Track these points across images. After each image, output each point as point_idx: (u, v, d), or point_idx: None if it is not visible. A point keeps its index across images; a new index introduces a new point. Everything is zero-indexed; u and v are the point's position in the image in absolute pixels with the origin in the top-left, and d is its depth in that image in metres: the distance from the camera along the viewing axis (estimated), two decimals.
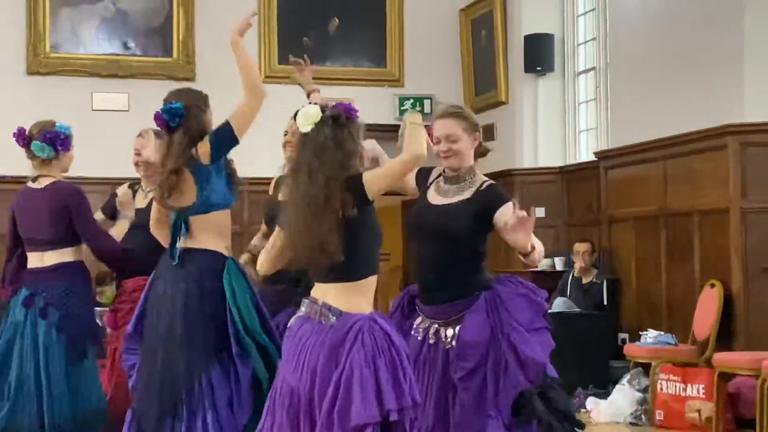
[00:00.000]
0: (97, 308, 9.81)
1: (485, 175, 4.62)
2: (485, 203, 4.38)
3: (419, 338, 4.46)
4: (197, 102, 5.01)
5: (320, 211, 3.90)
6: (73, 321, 5.55)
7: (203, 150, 4.86)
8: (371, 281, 4.04)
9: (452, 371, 4.33)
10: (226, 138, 4.85)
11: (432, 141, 4.48)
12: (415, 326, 4.52)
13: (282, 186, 4.96)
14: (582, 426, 4.47)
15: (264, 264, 4.27)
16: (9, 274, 5.83)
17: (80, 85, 11.26)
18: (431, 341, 4.42)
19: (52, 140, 5.63)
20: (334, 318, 3.93)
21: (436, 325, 4.43)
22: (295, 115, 4.83)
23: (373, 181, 4.01)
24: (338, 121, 4.02)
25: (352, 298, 3.97)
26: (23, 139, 5.67)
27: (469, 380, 4.28)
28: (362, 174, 4.04)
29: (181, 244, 4.90)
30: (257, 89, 4.90)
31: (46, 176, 5.68)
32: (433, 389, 4.37)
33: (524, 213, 4.06)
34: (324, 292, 4.02)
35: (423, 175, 4.64)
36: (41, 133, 5.64)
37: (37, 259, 5.65)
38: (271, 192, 5.61)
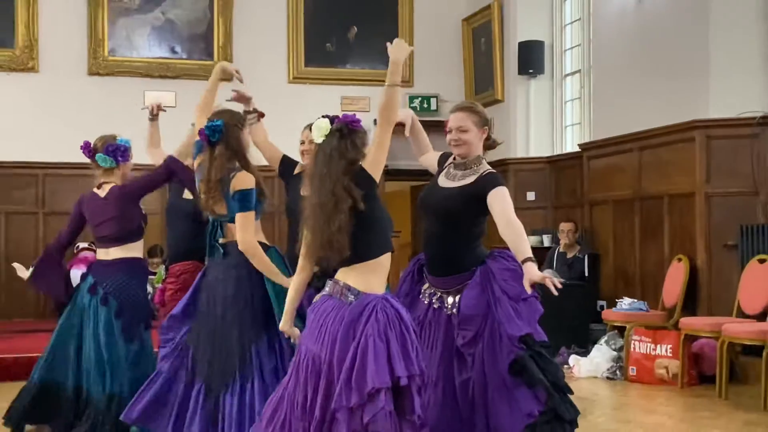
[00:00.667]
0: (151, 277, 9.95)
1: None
2: (482, 186, 4.39)
3: (425, 302, 4.51)
4: (235, 121, 5.03)
5: (331, 214, 3.92)
6: (128, 310, 5.58)
7: (237, 185, 4.84)
8: (385, 259, 4.05)
9: (455, 336, 4.36)
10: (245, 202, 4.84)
11: (445, 131, 4.58)
12: (422, 291, 4.56)
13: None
14: (571, 391, 4.43)
15: (301, 259, 4.24)
16: (38, 276, 5.89)
17: (134, 85, 11.31)
18: (435, 306, 4.46)
19: (113, 152, 5.68)
20: (353, 297, 3.97)
21: (440, 293, 4.48)
22: (310, 126, 4.92)
23: (372, 162, 4.03)
24: (342, 132, 4.03)
25: (368, 278, 3.99)
26: (89, 151, 5.72)
27: (471, 347, 4.32)
28: (361, 165, 4.05)
29: (222, 241, 4.97)
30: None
31: (108, 183, 5.71)
32: (438, 347, 4.40)
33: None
34: (345, 275, 4.05)
35: (442, 159, 4.69)
36: (104, 145, 5.69)
37: (103, 254, 5.69)
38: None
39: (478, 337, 4.33)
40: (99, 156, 5.66)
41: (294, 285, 4.25)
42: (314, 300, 4.21)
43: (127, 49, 11.48)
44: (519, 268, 4.34)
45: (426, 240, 4.58)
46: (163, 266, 5.86)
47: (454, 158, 4.59)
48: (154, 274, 10.20)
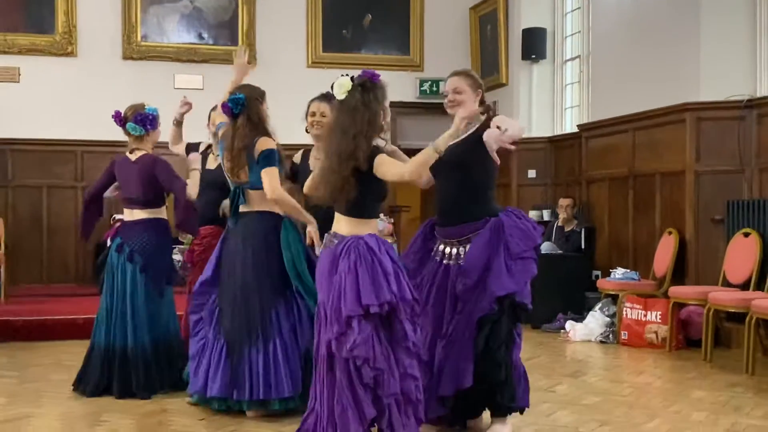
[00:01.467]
0: (181, 246, 9.99)
1: None
2: (482, 129, 4.44)
3: (438, 260, 4.56)
4: (256, 95, 5.09)
5: (346, 160, 4.01)
6: (152, 266, 5.68)
7: (261, 146, 4.95)
8: (373, 222, 4.19)
9: (457, 285, 4.42)
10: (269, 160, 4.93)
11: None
12: (434, 250, 4.61)
13: (311, 154, 5.10)
14: (499, 364, 4.41)
15: (306, 188, 4.42)
16: (85, 223, 5.99)
17: (164, 68, 11.34)
18: (446, 262, 4.51)
19: (142, 121, 5.74)
20: (336, 241, 4.11)
21: (449, 247, 4.51)
22: (318, 97, 4.95)
23: (380, 163, 4.04)
24: (365, 86, 4.12)
25: (356, 230, 4.10)
26: (119, 120, 5.80)
27: (469, 294, 4.37)
28: (381, 153, 4.11)
29: (243, 209, 5.04)
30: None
31: (139, 149, 5.79)
32: (446, 304, 4.46)
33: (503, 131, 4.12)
34: (338, 222, 4.18)
35: None
36: (134, 114, 5.75)
37: (129, 214, 5.80)
38: (298, 161, 5.53)
39: (476, 287, 4.37)
40: (129, 125, 5.74)
41: None
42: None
43: (158, 35, 11.50)
44: (530, 227, 4.46)
45: (441, 194, 4.62)
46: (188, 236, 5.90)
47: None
48: (181, 242, 10.28)
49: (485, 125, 4.44)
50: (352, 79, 4.17)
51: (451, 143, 4.15)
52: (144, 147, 5.81)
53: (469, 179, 4.51)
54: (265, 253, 4.96)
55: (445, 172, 4.48)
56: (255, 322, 4.91)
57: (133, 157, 5.78)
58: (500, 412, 4.55)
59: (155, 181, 5.68)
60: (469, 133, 4.49)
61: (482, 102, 4.63)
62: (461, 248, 4.47)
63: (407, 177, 4.04)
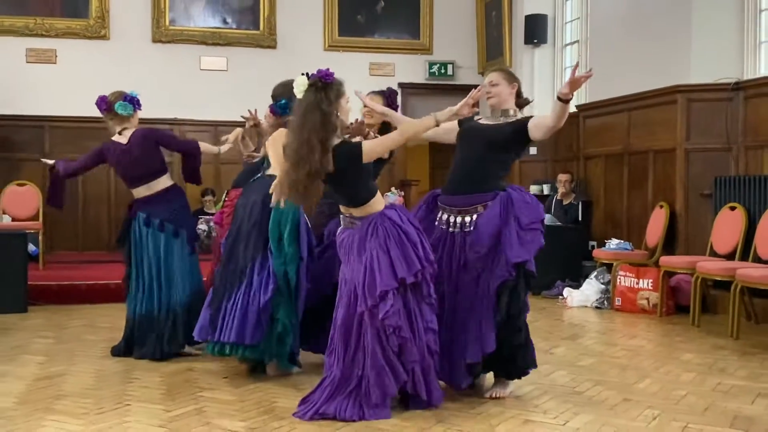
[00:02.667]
0: (205, 216, 10.01)
1: None
2: (521, 122, 4.48)
3: (443, 228, 4.49)
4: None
5: (301, 160, 3.98)
6: (183, 227, 5.67)
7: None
8: (377, 198, 4.19)
9: (467, 252, 4.39)
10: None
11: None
12: (438, 219, 4.54)
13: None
14: (519, 329, 4.46)
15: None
16: (53, 195, 6.02)
17: (191, 51, 11.29)
18: (451, 230, 4.46)
19: (131, 100, 5.71)
20: (358, 222, 4.17)
21: (454, 216, 4.46)
22: (373, 92, 5.00)
23: (371, 149, 4.07)
24: (316, 86, 4.04)
25: (368, 210, 4.17)
26: (105, 104, 5.72)
27: (481, 262, 4.36)
28: (361, 143, 4.10)
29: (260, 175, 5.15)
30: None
31: (127, 129, 5.73)
32: (452, 269, 4.44)
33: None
34: (347, 208, 4.25)
35: (464, 120, 4.59)
36: (120, 97, 5.71)
37: (145, 189, 5.71)
38: None
39: (487, 256, 4.36)
40: (119, 104, 5.67)
41: None
42: (336, 236, 4.40)
43: (185, 20, 11.45)
44: (535, 201, 4.50)
45: (458, 165, 4.55)
46: (214, 196, 5.89)
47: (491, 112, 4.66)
48: (205, 213, 10.30)
49: (519, 120, 4.51)
50: (308, 77, 4.07)
51: (488, 123, 4.42)
52: (130, 126, 5.75)
53: (496, 159, 4.49)
54: (260, 211, 4.98)
55: (475, 145, 4.48)
56: (236, 272, 4.94)
57: (123, 139, 5.69)
58: (516, 375, 4.59)
59: (156, 149, 5.64)
60: (507, 121, 4.53)
61: (519, 95, 4.66)
62: (467, 217, 4.43)
63: (401, 140, 4.16)
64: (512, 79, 4.66)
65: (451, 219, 4.48)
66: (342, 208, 4.29)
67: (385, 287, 4.01)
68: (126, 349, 5.63)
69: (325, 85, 4.03)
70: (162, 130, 5.69)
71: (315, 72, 4.06)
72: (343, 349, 4.18)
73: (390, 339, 4.05)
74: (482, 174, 4.47)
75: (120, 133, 5.73)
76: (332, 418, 4.06)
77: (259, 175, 5.18)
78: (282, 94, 5.11)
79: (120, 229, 5.91)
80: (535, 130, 4.42)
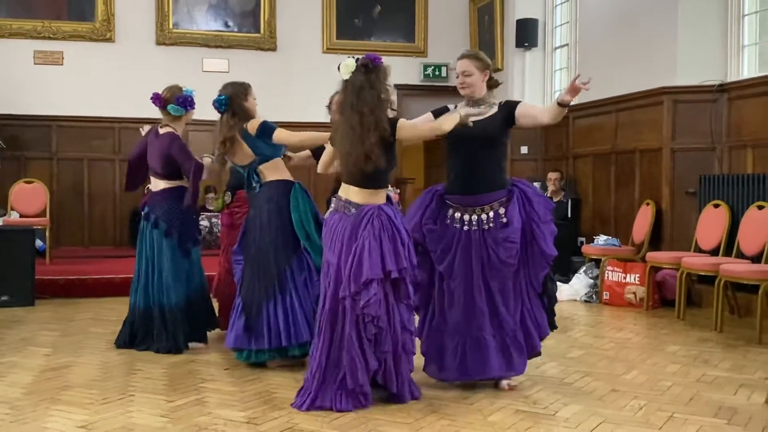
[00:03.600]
0: (208, 213, 9.97)
1: None
2: (507, 109, 4.47)
3: (457, 226, 4.41)
4: (238, 92, 5.11)
5: (366, 132, 4.05)
6: (175, 230, 5.58)
7: (251, 126, 5.03)
8: (383, 192, 4.23)
9: (496, 249, 4.34)
10: (266, 132, 5.01)
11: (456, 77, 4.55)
12: (450, 217, 4.45)
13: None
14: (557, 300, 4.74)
15: (320, 166, 4.48)
16: (130, 180, 5.96)
17: (194, 53, 11.25)
18: (466, 228, 4.39)
19: (183, 102, 5.67)
20: (353, 209, 4.17)
21: (469, 214, 4.40)
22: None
23: (402, 127, 4.16)
24: (367, 67, 4.17)
25: (369, 198, 4.19)
26: (160, 101, 5.67)
27: (514, 258, 4.36)
28: (398, 119, 4.18)
29: (256, 184, 5.09)
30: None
31: (169, 126, 5.69)
32: (472, 264, 4.39)
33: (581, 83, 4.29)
34: (347, 191, 4.22)
35: (441, 110, 4.55)
36: (175, 96, 5.66)
37: (154, 185, 5.73)
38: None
39: (519, 250, 4.38)
40: (171, 106, 5.63)
41: None
42: (324, 217, 4.39)
43: (188, 23, 11.41)
44: (542, 194, 4.54)
45: (462, 164, 4.45)
46: (228, 193, 5.77)
47: (464, 102, 4.55)
48: (207, 210, 10.26)
49: (506, 105, 4.50)
50: (356, 60, 4.22)
51: (475, 119, 4.33)
52: (177, 126, 5.72)
53: (494, 153, 4.47)
54: (278, 216, 4.96)
55: (472, 145, 4.40)
56: (272, 279, 4.91)
57: (161, 131, 5.70)
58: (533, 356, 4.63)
59: (172, 157, 5.60)
60: (491, 113, 4.47)
61: (490, 80, 4.57)
62: (483, 215, 4.39)
63: (428, 135, 4.36)
64: (484, 66, 4.53)
65: (466, 217, 4.42)
66: (342, 190, 4.25)
67: (371, 276, 4.01)
68: (129, 337, 5.60)
69: (375, 67, 4.18)
70: (179, 143, 5.59)
71: (364, 56, 4.24)
72: (330, 333, 4.15)
73: (367, 327, 4.06)
74: (491, 170, 4.45)
75: (162, 127, 5.72)
76: (329, 409, 4.05)
77: (257, 180, 5.09)
78: (224, 91, 5.12)
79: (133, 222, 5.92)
80: (522, 119, 4.45)
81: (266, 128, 5.01)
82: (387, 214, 4.15)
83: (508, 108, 4.49)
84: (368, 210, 4.14)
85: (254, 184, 5.07)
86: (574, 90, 4.26)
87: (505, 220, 4.36)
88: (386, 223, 4.12)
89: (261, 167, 5.05)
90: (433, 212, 4.52)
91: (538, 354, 4.61)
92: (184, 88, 5.73)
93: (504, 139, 4.54)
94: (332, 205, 4.31)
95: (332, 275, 4.17)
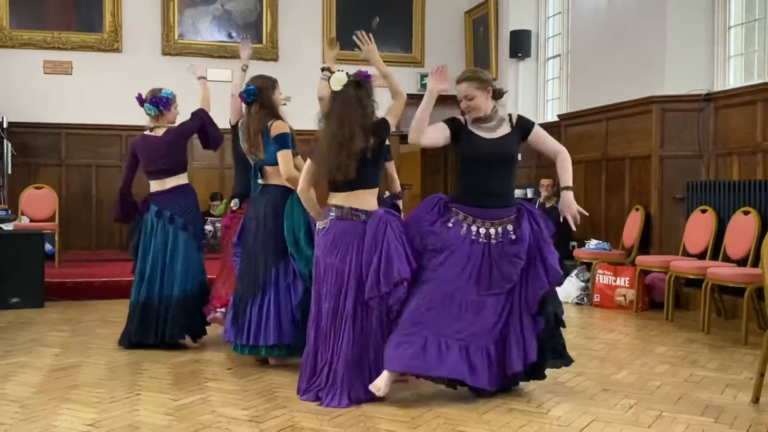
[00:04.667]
0: (212, 218, 9.97)
1: None
2: (522, 131, 4.46)
3: (462, 233, 4.27)
4: (267, 85, 5.08)
5: (343, 144, 4.14)
6: (191, 223, 5.65)
7: (275, 128, 4.95)
8: (376, 189, 4.33)
9: (501, 263, 4.24)
10: (279, 144, 4.90)
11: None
12: (453, 222, 4.29)
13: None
14: (564, 325, 4.50)
15: (301, 183, 4.38)
16: (125, 208, 5.86)
17: (198, 63, 11.24)
18: (473, 237, 4.25)
19: (156, 103, 5.70)
20: (364, 216, 4.22)
21: (483, 227, 4.27)
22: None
23: (391, 122, 4.33)
24: (359, 83, 4.28)
25: (368, 200, 4.27)
26: (140, 101, 5.76)
27: (517, 275, 4.28)
28: (384, 117, 4.33)
29: (261, 182, 5.04)
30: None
31: (160, 127, 5.73)
32: (481, 271, 4.26)
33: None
34: (346, 199, 4.26)
35: (453, 123, 4.45)
36: (151, 96, 5.73)
37: (159, 185, 5.70)
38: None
39: (524, 268, 4.32)
40: (146, 105, 5.71)
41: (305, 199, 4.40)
42: (321, 226, 4.33)
43: (193, 34, 11.43)
44: (543, 215, 4.50)
45: (478, 181, 4.32)
46: (235, 199, 5.63)
47: (471, 118, 4.44)
48: (212, 215, 10.27)
49: (520, 124, 4.46)
50: (347, 75, 4.31)
51: (494, 138, 4.35)
52: (161, 125, 5.75)
53: (510, 172, 4.41)
54: (273, 220, 4.95)
55: (493, 163, 4.32)
56: (259, 279, 4.91)
57: (159, 132, 5.71)
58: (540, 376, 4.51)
59: (183, 147, 5.67)
60: (506, 132, 4.40)
61: (494, 93, 4.46)
62: (492, 229, 4.27)
63: (403, 100, 4.43)
64: (485, 85, 4.42)
65: (473, 228, 4.28)
66: (341, 198, 4.26)
67: (404, 276, 4.12)
68: (133, 337, 5.58)
69: (367, 84, 4.32)
70: (181, 128, 5.69)
71: (356, 72, 4.37)
72: (352, 331, 4.18)
73: (391, 323, 4.17)
74: (505, 187, 4.38)
75: (151, 131, 5.74)
76: (366, 401, 4.15)
77: (260, 182, 5.09)
78: (253, 82, 5.06)
79: (132, 223, 5.87)
80: (533, 145, 4.52)
81: (282, 141, 4.89)
82: (396, 219, 4.27)
83: (523, 130, 4.46)
84: (379, 215, 4.22)
85: (257, 183, 5.06)
86: (438, 77, 4.31)
87: (514, 236, 4.28)
88: (400, 228, 4.24)
89: (267, 168, 5.02)
90: (433, 217, 4.38)
91: (515, 380, 4.41)
92: (162, 90, 5.77)
93: (516, 159, 4.49)
94: (331, 214, 4.27)
95: (330, 282, 4.22)
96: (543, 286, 4.31)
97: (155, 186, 5.72)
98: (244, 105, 5.09)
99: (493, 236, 4.28)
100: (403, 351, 4.11)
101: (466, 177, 4.40)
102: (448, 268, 4.24)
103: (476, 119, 4.42)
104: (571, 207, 4.46)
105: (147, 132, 5.77)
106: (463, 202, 4.34)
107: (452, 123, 4.46)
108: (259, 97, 5.00)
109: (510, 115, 4.49)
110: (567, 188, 4.49)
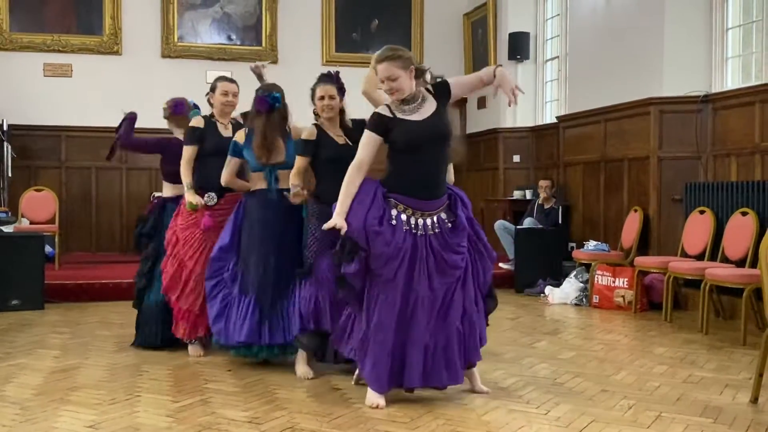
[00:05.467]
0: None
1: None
2: (442, 94, 4.22)
3: (405, 229, 4.05)
4: (283, 93, 5.06)
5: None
6: None
7: (296, 132, 4.99)
8: None
9: (446, 253, 4.09)
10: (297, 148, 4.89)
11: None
12: (396, 217, 4.06)
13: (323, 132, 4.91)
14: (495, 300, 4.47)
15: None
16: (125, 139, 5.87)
17: (198, 66, 11.27)
18: (413, 232, 4.06)
19: (171, 106, 5.81)
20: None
21: (421, 218, 4.09)
22: (322, 80, 4.85)
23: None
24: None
25: None
26: (190, 107, 5.80)
27: (463, 262, 4.19)
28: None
29: (275, 186, 5.01)
30: None
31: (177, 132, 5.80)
32: (427, 264, 4.07)
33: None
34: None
35: (381, 120, 4.13)
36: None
37: (177, 189, 5.69)
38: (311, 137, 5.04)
39: (469, 248, 4.24)
40: (194, 111, 5.74)
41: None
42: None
43: (193, 37, 11.44)
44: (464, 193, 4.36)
45: (421, 168, 4.07)
46: (212, 193, 5.29)
47: (393, 102, 4.14)
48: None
49: (438, 92, 4.21)
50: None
51: (425, 119, 4.10)
52: (171, 128, 5.80)
53: (446, 153, 4.20)
54: (297, 220, 4.91)
55: (430, 147, 4.08)
56: (292, 279, 4.87)
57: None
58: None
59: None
60: (433, 110, 4.14)
61: (417, 71, 4.13)
62: (428, 219, 4.10)
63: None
64: (407, 63, 4.07)
65: (413, 221, 4.08)
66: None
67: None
68: (155, 339, 5.57)
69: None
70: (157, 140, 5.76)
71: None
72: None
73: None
74: (443, 172, 4.20)
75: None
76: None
77: (276, 181, 5.03)
78: (276, 89, 5.01)
79: (143, 225, 5.82)
80: (461, 94, 4.35)
81: (298, 146, 4.86)
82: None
83: (444, 92, 4.20)
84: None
85: (275, 189, 5.01)
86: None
87: (450, 225, 4.14)
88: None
89: (282, 172, 4.98)
90: (377, 212, 4.04)
91: (474, 365, 4.37)
92: (189, 99, 5.85)
93: (451, 135, 4.21)
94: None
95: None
96: (490, 267, 4.32)
97: (177, 190, 5.63)
98: (257, 110, 4.96)
99: (430, 227, 4.09)
100: (382, 370, 4.06)
101: (401, 165, 4.12)
102: (399, 277, 4.04)
103: (401, 102, 4.11)
104: (510, 81, 4.17)
105: (177, 134, 5.78)
106: (401, 193, 4.07)
107: (376, 126, 4.12)
108: (282, 105, 5.00)
109: (428, 88, 4.20)
110: (498, 65, 4.26)
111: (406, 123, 4.10)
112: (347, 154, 4.29)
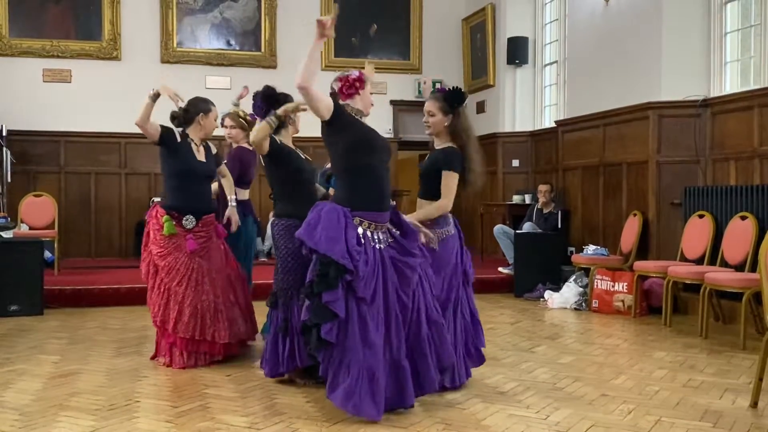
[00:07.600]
0: None
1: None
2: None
3: (374, 246, 4.05)
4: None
5: None
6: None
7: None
8: None
9: (404, 261, 4.06)
10: None
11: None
12: (363, 235, 4.02)
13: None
14: None
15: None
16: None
17: (197, 71, 11.29)
18: (378, 246, 4.05)
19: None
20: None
21: (378, 232, 4.09)
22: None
23: None
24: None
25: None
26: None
27: (420, 267, 4.15)
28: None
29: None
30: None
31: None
32: (387, 284, 4.02)
33: None
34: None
35: (338, 105, 4.21)
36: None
37: (240, 194, 5.91)
38: None
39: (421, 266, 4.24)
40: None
41: None
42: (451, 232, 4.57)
43: (192, 42, 11.45)
44: None
45: (383, 182, 4.13)
46: (190, 216, 5.20)
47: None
48: None
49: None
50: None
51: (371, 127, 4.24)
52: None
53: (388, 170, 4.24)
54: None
55: (385, 157, 4.17)
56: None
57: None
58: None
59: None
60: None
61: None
62: (381, 232, 4.09)
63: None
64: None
65: (377, 235, 4.07)
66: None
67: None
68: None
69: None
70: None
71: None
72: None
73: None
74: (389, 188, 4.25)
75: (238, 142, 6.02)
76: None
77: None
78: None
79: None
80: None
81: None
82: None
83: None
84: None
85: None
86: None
87: (398, 233, 4.15)
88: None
89: None
90: (353, 232, 3.99)
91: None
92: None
93: None
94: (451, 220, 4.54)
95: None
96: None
97: (240, 194, 5.84)
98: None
99: (384, 239, 4.10)
100: (361, 399, 3.89)
101: (371, 180, 4.09)
102: (377, 290, 3.98)
103: (358, 114, 4.24)
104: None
105: (244, 145, 5.94)
106: (368, 209, 4.05)
107: (335, 97, 4.28)
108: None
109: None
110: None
111: (365, 126, 4.24)
112: (310, 168, 4.72)
